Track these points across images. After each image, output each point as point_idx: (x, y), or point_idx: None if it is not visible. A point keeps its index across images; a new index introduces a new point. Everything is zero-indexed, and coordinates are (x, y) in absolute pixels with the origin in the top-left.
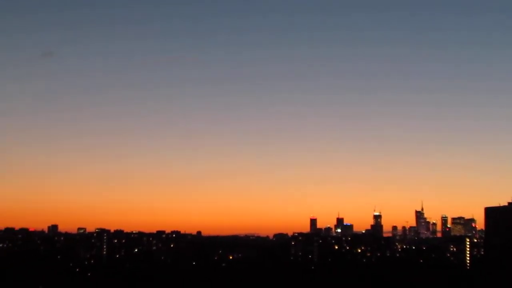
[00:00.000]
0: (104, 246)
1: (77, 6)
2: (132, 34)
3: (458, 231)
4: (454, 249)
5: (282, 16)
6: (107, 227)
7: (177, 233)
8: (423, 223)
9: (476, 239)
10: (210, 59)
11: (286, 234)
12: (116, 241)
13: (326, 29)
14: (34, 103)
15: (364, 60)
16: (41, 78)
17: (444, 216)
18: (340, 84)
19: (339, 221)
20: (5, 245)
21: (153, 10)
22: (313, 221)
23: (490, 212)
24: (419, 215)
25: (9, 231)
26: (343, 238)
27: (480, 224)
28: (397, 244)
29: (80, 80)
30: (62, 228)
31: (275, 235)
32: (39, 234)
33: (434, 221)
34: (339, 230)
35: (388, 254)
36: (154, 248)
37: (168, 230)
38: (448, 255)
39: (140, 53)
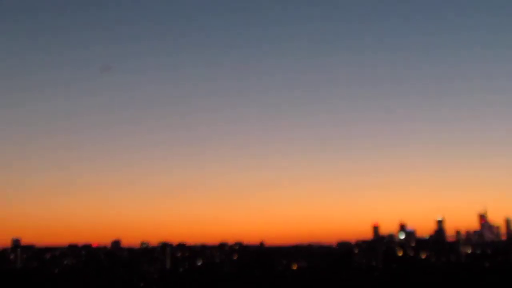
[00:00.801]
0: (168, 260)
1: (133, 20)
2: (187, 47)
3: None
4: None
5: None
6: (170, 240)
7: (240, 244)
8: (487, 227)
9: None
10: (266, 68)
11: (349, 242)
12: (179, 254)
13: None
14: (93, 119)
15: (427, 64)
16: (99, 93)
17: (508, 218)
18: (401, 87)
19: (402, 227)
20: (69, 262)
21: (210, 21)
22: (375, 228)
23: None
24: (482, 218)
25: (73, 247)
26: (407, 244)
27: None
28: (461, 248)
29: (138, 93)
30: (125, 243)
31: (338, 243)
32: (102, 249)
33: (498, 224)
34: (402, 236)
35: (453, 259)
36: (217, 260)
37: (231, 242)
38: None
39: (198, 65)
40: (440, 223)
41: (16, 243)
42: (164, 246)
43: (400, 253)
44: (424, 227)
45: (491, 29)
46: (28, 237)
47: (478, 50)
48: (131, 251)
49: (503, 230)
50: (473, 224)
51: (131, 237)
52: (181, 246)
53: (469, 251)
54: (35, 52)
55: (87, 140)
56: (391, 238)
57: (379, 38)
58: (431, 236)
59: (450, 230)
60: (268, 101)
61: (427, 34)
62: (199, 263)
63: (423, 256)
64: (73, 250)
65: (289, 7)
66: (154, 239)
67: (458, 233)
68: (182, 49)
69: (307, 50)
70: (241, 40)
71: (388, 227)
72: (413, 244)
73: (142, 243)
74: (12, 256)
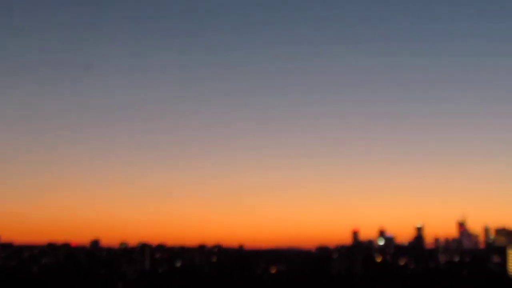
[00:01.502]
0: (147, 261)
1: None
2: (183, 48)
3: (501, 242)
4: (497, 260)
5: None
6: (149, 241)
7: (219, 247)
8: (465, 234)
9: None
10: (257, 70)
11: (328, 247)
12: (158, 255)
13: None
14: (75, 120)
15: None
16: (85, 93)
17: (487, 227)
18: (382, 94)
19: (381, 233)
20: (47, 261)
21: (196, 24)
22: (355, 233)
23: None
24: (461, 226)
25: (52, 246)
26: (386, 250)
27: None
28: (440, 255)
29: (125, 95)
30: (104, 243)
31: (317, 248)
32: (81, 249)
33: (477, 232)
34: (381, 242)
35: (431, 266)
36: (197, 262)
37: (210, 244)
38: (491, 266)
39: (190, 66)
40: (419, 230)
41: None
42: (143, 247)
43: (379, 259)
44: (403, 234)
45: (485, 37)
46: (7, 235)
47: (464, 58)
48: (110, 251)
49: (481, 238)
50: (452, 231)
51: (110, 237)
52: (161, 247)
53: (448, 258)
54: (27, 50)
55: (68, 140)
56: (370, 244)
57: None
58: (410, 243)
59: (429, 237)
60: (253, 107)
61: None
62: (178, 265)
63: (402, 262)
64: (52, 249)
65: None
66: (133, 240)
67: (437, 240)
68: (176, 49)
69: (300, 52)
70: (238, 42)
71: (368, 233)
72: (392, 251)
73: (121, 244)
74: None
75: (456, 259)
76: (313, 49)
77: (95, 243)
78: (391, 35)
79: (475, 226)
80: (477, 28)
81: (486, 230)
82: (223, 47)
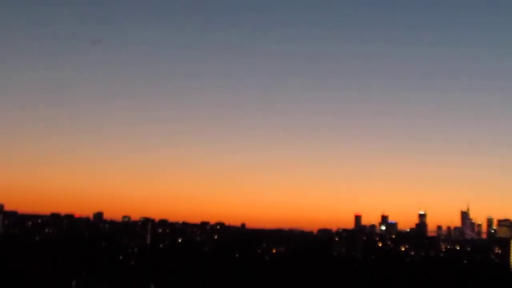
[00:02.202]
0: (148, 235)
1: None
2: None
3: (503, 233)
4: (499, 251)
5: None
6: (151, 216)
7: (221, 224)
8: (468, 224)
9: None
10: (259, 51)
11: (330, 230)
12: (160, 230)
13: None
14: (83, 92)
15: (419, 59)
16: (91, 67)
17: (489, 217)
18: (388, 82)
19: (384, 219)
20: (50, 231)
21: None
22: (357, 218)
23: None
24: (464, 215)
25: (55, 216)
26: (387, 236)
27: None
28: (441, 244)
29: (131, 70)
30: (107, 215)
31: (319, 230)
32: (84, 220)
33: (480, 222)
34: (383, 228)
35: (432, 254)
36: (198, 238)
37: (212, 221)
38: (492, 257)
39: (196, 45)
40: (422, 217)
41: None
42: (146, 222)
43: (380, 244)
44: (406, 220)
45: (482, 28)
46: (11, 204)
47: (470, 48)
48: (112, 224)
49: (484, 228)
50: (454, 220)
51: (113, 210)
52: (163, 223)
53: (449, 246)
54: (30, 23)
55: (76, 112)
56: (372, 228)
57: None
58: (411, 230)
59: (431, 224)
60: (258, 87)
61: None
62: (180, 241)
63: (403, 248)
64: (55, 219)
65: None
66: (136, 214)
67: (439, 228)
68: (183, 29)
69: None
70: (242, 23)
71: (370, 217)
72: (393, 236)
73: (124, 217)
74: None
75: (457, 248)
76: (317, 33)
77: (98, 216)
78: (398, 23)
79: (478, 216)
80: (483, 19)
81: (489, 221)
82: (225, 26)
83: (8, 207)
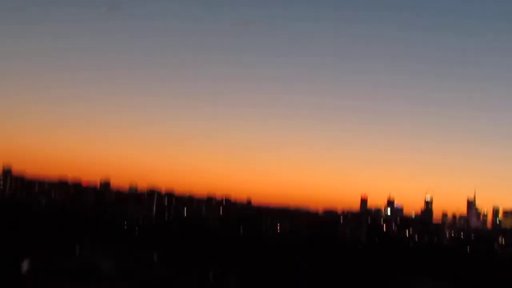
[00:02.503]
0: (154, 207)
1: None
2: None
3: (509, 223)
4: (503, 241)
5: None
6: (158, 186)
7: (227, 200)
8: (474, 213)
9: None
10: (270, 27)
11: (336, 211)
12: (166, 202)
13: None
14: (93, 59)
15: (431, 46)
16: (103, 34)
17: (496, 207)
18: (395, 65)
19: (390, 203)
20: (57, 196)
21: None
22: (363, 200)
23: None
24: (470, 204)
25: (62, 183)
26: (393, 220)
27: None
28: (446, 231)
29: (142, 39)
30: (114, 184)
31: (324, 211)
32: (91, 188)
33: (485, 212)
34: (389, 212)
35: (435, 241)
36: (204, 213)
37: (218, 195)
38: (497, 247)
39: (204, 19)
40: (428, 203)
41: (6, 171)
42: (152, 193)
43: (384, 228)
44: (412, 206)
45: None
46: (19, 168)
47: (476, 36)
48: (119, 193)
49: (489, 218)
50: (460, 208)
51: (120, 179)
52: (169, 195)
53: (453, 234)
54: None
55: (86, 79)
56: (377, 212)
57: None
58: (417, 216)
59: (437, 211)
60: (265, 65)
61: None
62: (185, 214)
63: (407, 234)
64: (62, 185)
65: None
66: (142, 183)
67: (444, 215)
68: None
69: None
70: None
71: (376, 201)
72: (398, 221)
73: (131, 187)
74: (1, 183)
75: (462, 236)
76: (321, 13)
77: (105, 184)
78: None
79: (485, 205)
80: (490, 5)
81: (495, 211)
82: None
83: (15, 172)
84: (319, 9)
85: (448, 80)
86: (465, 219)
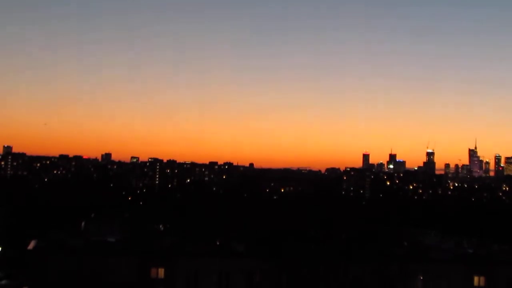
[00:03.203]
0: (157, 176)
1: None
2: None
3: (511, 170)
4: (507, 188)
5: None
6: (160, 157)
7: (229, 164)
8: (476, 162)
9: None
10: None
11: (338, 169)
12: (168, 171)
13: None
14: (91, 34)
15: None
16: (100, 6)
17: (497, 155)
18: (394, 23)
19: (392, 157)
20: (59, 172)
21: None
22: (365, 157)
23: None
24: (472, 153)
25: (64, 158)
26: (395, 175)
27: None
28: (449, 182)
29: (136, 13)
30: (115, 157)
31: (327, 169)
32: (92, 161)
33: (487, 160)
34: (391, 166)
35: (440, 192)
36: (206, 178)
37: (220, 162)
38: (500, 194)
39: None
40: (429, 155)
41: (7, 150)
42: (154, 162)
43: (388, 183)
44: (414, 159)
45: None
46: (19, 145)
47: None
48: (120, 164)
49: (491, 166)
50: (462, 158)
51: (122, 151)
52: (171, 163)
53: (456, 184)
54: None
55: (83, 53)
56: (380, 167)
57: None
58: (419, 168)
59: (439, 163)
60: (263, 29)
61: None
62: (188, 181)
63: (411, 187)
64: (63, 160)
65: None
66: (144, 155)
67: (447, 166)
68: None
69: None
70: None
71: (378, 156)
72: (401, 175)
73: (132, 158)
74: (2, 163)
75: (465, 185)
76: None
77: (106, 157)
78: None
79: (486, 154)
80: None
81: (497, 159)
82: None
83: (16, 149)
84: None
85: (445, 33)
86: (468, 169)
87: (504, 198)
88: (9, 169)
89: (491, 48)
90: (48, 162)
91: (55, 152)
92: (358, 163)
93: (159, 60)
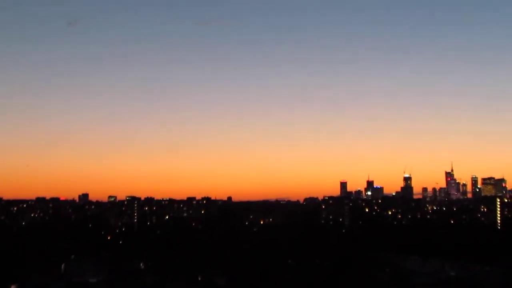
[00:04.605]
0: (135, 214)
1: None
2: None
3: (488, 191)
4: (485, 209)
5: None
6: (137, 195)
7: (207, 199)
8: (453, 184)
9: (507, 199)
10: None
11: (317, 198)
12: (147, 208)
13: None
14: (62, 73)
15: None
16: (67, 48)
17: (474, 176)
18: (370, 44)
19: (369, 184)
20: (36, 215)
21: None
22: (343, 184)
23: None
24: (449, 176)
25: (40, 200)
26: (374, 201)
27: (510, 184)
28: (427, 205)
29: (102, 50)
30: (92, 197)
31: (306, 199)
32: (70, 203)
33: (465, 182)
34: (369, 193)
35: (419, 216)
36: (185, 214)
37: (198, 197)
38: (479, 215)
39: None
40: (407, 180)
41: None
42: (132, 200)
43: (366, 210)
44: (391, 184)
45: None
46: None
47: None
48: (98, 204)
49: (469, 188)
50: (440, 181)
51: (99, 191)
52: (149, 200)
53: (435, 208)
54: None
55: (57, 94)
56: (358, 194)
57: None
58: (397, 193)
59: (417, 187)
60: (237, 62)
61: None
62: (167, 217)
63: (390, 212)
64: (40, 203)
65: None
66: (121, 193)
67: (424, 190)
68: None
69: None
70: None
71: (356, 184)
72: (379, 201)
73: (110, 197)
74: None
75: (444, 208)
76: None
77: (83, 197)
78: None
79: (463, 176)
80: None
81: (474, 180)
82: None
83: None
84: None
85: (418, 59)
86: (445, 191)
87: (483, 219)
88: None
89: (465, 73)
90: (24, 205)
91: (31, 194)
92: (336, 191)
93: (133, 99)
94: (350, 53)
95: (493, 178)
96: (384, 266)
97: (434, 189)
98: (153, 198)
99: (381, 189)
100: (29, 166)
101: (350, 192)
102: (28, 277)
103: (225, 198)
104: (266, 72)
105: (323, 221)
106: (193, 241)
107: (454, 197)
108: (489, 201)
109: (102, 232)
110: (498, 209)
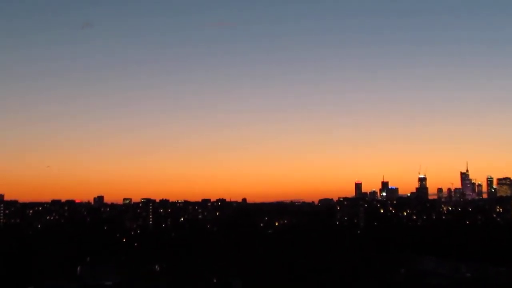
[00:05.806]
0: (150, 216)
1: None
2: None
3: (504, 191)
4: (501, 210)
5: None
6: (152, 197)
7: (222, 201)
8: (468, 185)
9: None
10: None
11: (332, 199)
12: (162, 210)
13: None
14: (76, 76)
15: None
16: (79, 52)
17: (489, 177)
18: (382, 46)
19: (384, 185)
20: (52, 217)
21: None
22: (358, 185)
23: None
24: (464, 176)
25: (56, 203)
26: (389, 202)
27: None
28: (442, 206)
29: (119, 52)
30: (108, 199)
31: (320, 201)
32: (85, 205)
33: (480, 182)
34: (384, 194)
35: (434, 217)
36: (200, 216)
37: (213, 199)
38: (495, 216)
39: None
40: (422, 180)
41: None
42: (147, 203)
43: (381, 211)
44: (406, 185)
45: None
46: (11, 193)
47: (464, 11)
48: (113, 207)
49: (484, 188)
50: (455, 182)
51: (114, 194)
52: (164, 203)
53: (450, 208)
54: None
55: (70, 97)
56: (373, 195)
57: None
58: (412, 194)
59: (432, 187)
60: (249, 58)
61: None
62: (181, 219)
63: (404, 213)
64: (56, 205)
65: None
66: (137, 196)
67: (439, 190)
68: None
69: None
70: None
71: (371, 185)
72: (394, 202)
73: (125, 199)
74: None
75: (459, 209)
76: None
77: (99, 199)
78: None
79: (478, 176)
80: None
81: (489, 180)
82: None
83: (8, 197)
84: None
85: (435, 56)
86: (461, 192)
87: (498, 219)
88: (1, 217)
89: (479, 74)
90: (40, 208)
91: (47, 197)
92: (351, 192)
93: (147, 101)
94: (363, 57)
95: (509, 178)
96: (399, 266)
97: (449, 189)
98: (168, 200)
99: (396, 189)
100: (50, 167)
101: (365, 193)
102: (43, 280)
103: (240, 200)
104: (282, 77)
105: (338, 222)
106: (208, 242)
107: (469, 197)
108: (505, 202)
109: (117, 235)
110: None
